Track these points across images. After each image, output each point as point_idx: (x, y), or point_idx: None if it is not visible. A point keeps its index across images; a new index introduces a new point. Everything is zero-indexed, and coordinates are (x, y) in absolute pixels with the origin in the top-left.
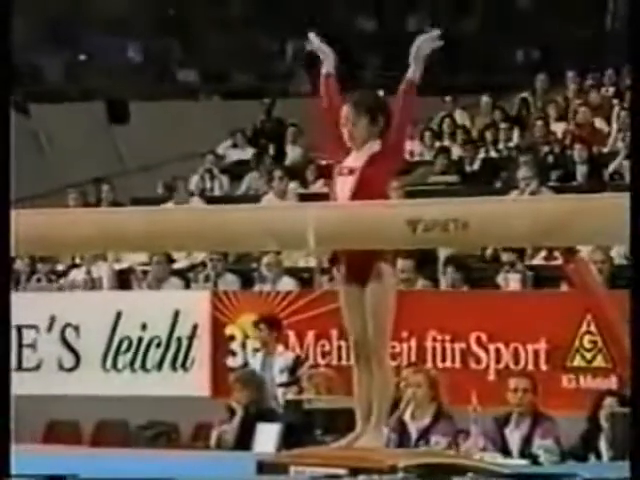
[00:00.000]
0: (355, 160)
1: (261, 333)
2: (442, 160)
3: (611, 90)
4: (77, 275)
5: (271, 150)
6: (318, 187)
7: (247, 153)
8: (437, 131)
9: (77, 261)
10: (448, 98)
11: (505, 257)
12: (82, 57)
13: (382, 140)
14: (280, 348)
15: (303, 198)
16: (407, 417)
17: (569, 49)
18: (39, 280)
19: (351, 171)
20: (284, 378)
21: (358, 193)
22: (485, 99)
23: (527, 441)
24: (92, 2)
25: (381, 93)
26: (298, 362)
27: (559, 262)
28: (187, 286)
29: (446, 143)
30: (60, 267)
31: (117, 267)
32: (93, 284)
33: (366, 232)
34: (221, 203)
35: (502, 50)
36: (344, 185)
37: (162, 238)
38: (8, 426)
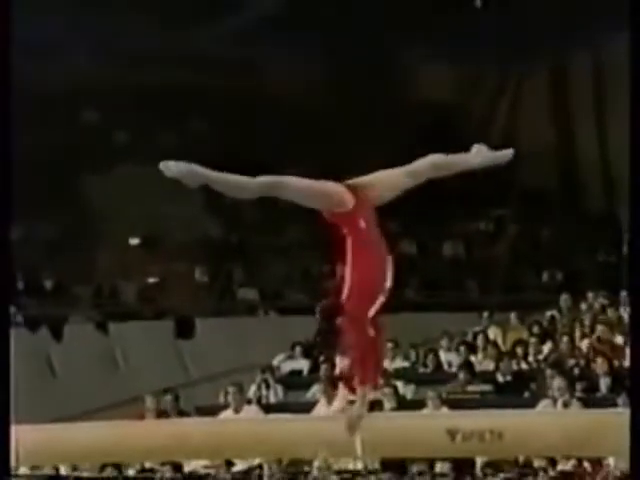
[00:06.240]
0: None
1: None
2: (465, 373)
3: (628, 309)
4: None
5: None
6: None
7: (300, 364)
8: (471, 344)
9: (146, 466)
10: (482, 314)
11: (537, 463)
12: (154, 280)
13: None
14: None
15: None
16: None
17: (588, 272)
18: None
19: None
20: None
21: None
22: (514, 316)
23: None
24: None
25: None
26: None
27: (588, 469)
28: None
29: (480, 356)
30: (131, 472)
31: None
32: None
33: (409, 441)
34: (276, 410)
35: (530, 272)
36: None
37: (222, 446)
38: (8, 426)
